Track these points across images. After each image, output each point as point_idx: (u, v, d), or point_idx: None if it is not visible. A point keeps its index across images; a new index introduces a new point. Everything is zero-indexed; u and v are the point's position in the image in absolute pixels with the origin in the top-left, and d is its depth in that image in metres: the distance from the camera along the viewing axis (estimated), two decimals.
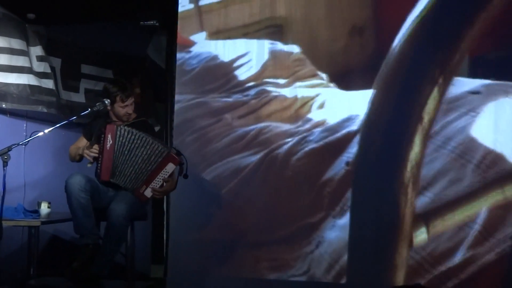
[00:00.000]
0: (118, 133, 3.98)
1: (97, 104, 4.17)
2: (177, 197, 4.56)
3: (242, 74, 4.55)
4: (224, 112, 4.56)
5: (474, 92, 4.13)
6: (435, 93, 4.13)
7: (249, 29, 4.56)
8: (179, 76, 4.66)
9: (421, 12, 4.19)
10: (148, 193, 3.96)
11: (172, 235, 4.60)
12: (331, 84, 4.36)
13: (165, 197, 5.08)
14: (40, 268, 4.36)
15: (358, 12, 4.35)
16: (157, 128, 5.10)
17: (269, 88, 4.49)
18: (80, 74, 5.17)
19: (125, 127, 4.01)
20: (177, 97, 4.65)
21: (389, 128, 4.23)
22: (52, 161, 5.06)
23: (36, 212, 4.23)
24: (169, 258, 4.64)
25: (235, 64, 4.59)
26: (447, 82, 4.14)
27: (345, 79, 4.35)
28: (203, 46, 4.64)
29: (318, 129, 4.36)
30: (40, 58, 4.80)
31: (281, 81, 4.46)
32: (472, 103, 4.09)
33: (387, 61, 4.23)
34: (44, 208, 4.24)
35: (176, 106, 4.64)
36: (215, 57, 4.61)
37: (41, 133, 4.07)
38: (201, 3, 4.66)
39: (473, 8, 4.13)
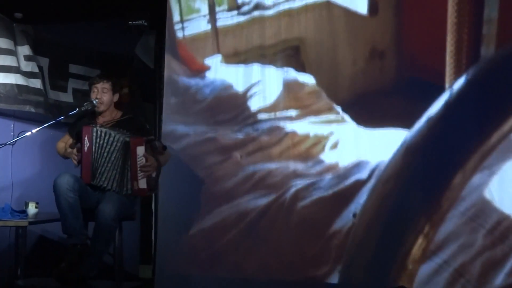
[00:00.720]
0: (95, 134, 3.98)
1: (85, 104, 4.16)
2: (165, 198, 4.55)
3: (255, 104, 4.37)
4: (234, 149, 4.38)
5: None
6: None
7: (266, 51, 4.36)
8: (190, 105, 4.51)
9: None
10: (142, 184, 3.96)
11: (161, 236, 4.59)
12: (346, 118, 4.10)
13: (153, 197, 5.09)
14: (27, 269, 4.33)
15: (379, 34, 4.10)
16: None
17: (281, 124, 4.27)
18: (68, 73, 5.15)
19: (102, 128, 4.00)
20: (185, 129, 4.49)
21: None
22: (39, 161, 5.04)
23: (24, 212, 4.21)
24: (158, 258, 4.63)
25: (249, 94, 4.40)
26: None
27: (362, 109, 4.09)
28: (217, 71, 4.48)
29: (329, 176, 4.10)
30: (27, 58, 4.77)
31: (294, 112, 4.25)
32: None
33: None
34: (32, 208, 4.22)
35: (184, 142, 4.49)
36: (228, 87, 4.45)
37: (28, 133, 4.06)
38: (219, 24, 4.50)
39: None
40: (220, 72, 4.49)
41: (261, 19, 4.38)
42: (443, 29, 3.84)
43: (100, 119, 4.19)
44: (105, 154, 4.00)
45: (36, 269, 4.44)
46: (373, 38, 4.09)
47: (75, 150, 4.03)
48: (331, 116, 4.15)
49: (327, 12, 4.22)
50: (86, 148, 3.99)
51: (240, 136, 4.40)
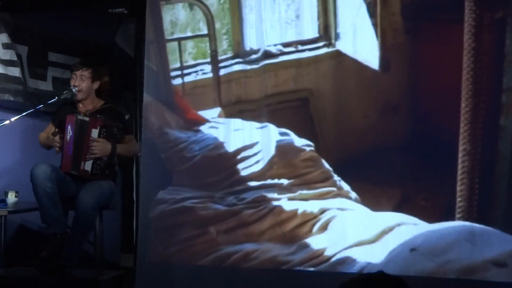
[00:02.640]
0: (77, 123, 3.97)
1: (64, 92, 4.15)
2: (146, 186, 4.54)
3: (246, 169, 4.05)
4: (211, 223, 4.06)
5: (500, 264, 3.44)
6: None
7: (271, 100, 4.08)
8: (176, 164, 4.22)
9: None
10: (88, 166, 3.99)
11: (141, 224, 4.58)
12: (344, 188, 3.82)
13: (134, 186, 5.07)
14: (7, 258, 4.31)
15: (393, 89, 3.86)
16: (126, 117, 5.07)
17: (269, 195, 3.96)
18: (47, 62, 5.11)
19: (85, 118, 3.99)
20: (163, 194, 4.20)
21: None
22: (19, 150, 5.00)
23: (3, 201, 4.20)
24: (139, 247, 4.62)
25: (240, 156, 4.09)
26: None
27: (368, 168, 3.83)
28: (212, 126, 4.19)
29: (311, 268, 3.79)
30: (6, 46, 4.72)
31: (285, 181, 3.94)
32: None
33: None
34: (11, 197, 4.20)
35: (158, 209, 4.20)
36: (219, 146, 4.15)
37: (7, 122, 4.03)
38: (222, 72, 4.19)
39: None
40: (215, 127, 4.19)
41: (268, 68, 4.11)
42: (458, 92, 3.62)
43: (82, 108, 4.17)
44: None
45: (16, 259, 4.41)
46: (386, 92, 3.87)
47: (57, 137, 4.01)
48: (326, 189, 3.89)
49: (337, 62, 3.99)
50: (68, 136, 3.98)
51: (221, 207, 4.09)
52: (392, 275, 1.57)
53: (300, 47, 4.08)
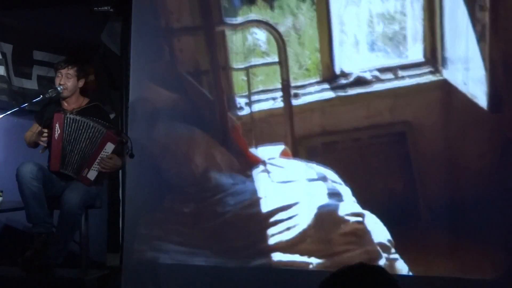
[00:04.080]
0: (66, 121, 3.95)
1: (49, 90, 4.12)
2: (132, 185, 4.52)
3: (275, 236, 3.64)
4: None
5: None
6: None
7: (361, 134, 3.64)
8: (205, 220, 3.88)
9: None
10: (91, 175, 3.93)
11: (128, 224, 4.56)
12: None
13: (120, 185, 5.05)
14: None
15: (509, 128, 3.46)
16: (112, 115, 5.05)
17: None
18: (32, 60, 5.06)
19: (72, 116, 3.96)
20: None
21: None
22: (3, 149, 4.97)
23: None
24: (125, 246, 4.60)
25: (273, 219, 3.70)
26: None
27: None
28: (264, 170, 3.78)
29: None
30: None
31: (314, 261, 3.53)
32: None
33: None
34: None
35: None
36: (255, 203, 3.76)
37: None
38: (296, 102, 3.73)
39: None
40: (268, 171, 3.78)
41: (360, 97, 3.67)
42: None
43: (67, 106, 4.15)
44: (72, 141, 3.97)
45: (1, 258, 4.39)
46: (504, 132, 3.46)
47: (44, 134, 3.98)
48: None
49: (445, 93, 3.54)
50: (56, 135, 3.95)
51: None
52: (371, 265, 1.59)
53: (400, 73, 3.61)
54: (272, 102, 3.86)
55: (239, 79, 3.95)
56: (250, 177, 3.88)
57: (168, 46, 4.20)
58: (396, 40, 3.61)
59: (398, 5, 3.63)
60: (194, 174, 4.01)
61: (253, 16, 3.93)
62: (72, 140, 3.96)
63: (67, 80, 4.09)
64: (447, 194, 3.52)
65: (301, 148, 3.86)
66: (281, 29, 3.86)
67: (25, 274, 3.90)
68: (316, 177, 3.70)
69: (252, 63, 3.92)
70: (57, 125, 3.94)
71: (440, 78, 3.54)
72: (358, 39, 3.69)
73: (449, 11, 3.52)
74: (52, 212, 3.99)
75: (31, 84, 5.04)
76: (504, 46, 3.46)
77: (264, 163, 3.87)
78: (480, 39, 3.45)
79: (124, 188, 4.71)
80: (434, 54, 3.54)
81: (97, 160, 3.92)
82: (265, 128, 3.90)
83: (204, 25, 4.05)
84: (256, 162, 3.88)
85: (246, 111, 3.95)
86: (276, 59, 3.84)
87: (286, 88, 3.81)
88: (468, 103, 3.48)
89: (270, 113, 3.87)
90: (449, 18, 3.51)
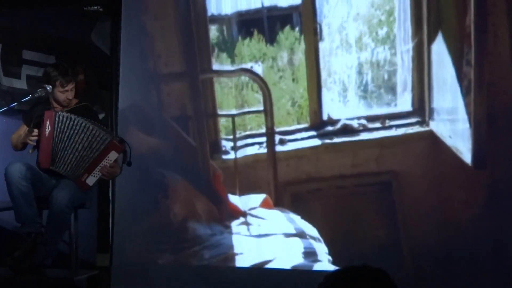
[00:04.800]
0: (57, 119, 3.93)
1: (38, 90, 4.10)
2: (122, 185, 4.51)
3: None
4: None
5: None
6: None
7: (346, 182, 3.64)
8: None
9: None
10: (90, 181, 3.91)
11: (118, 224, 4.55)
12: None
13: (110, 185, 5.04)
14: None
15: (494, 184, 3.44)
16: (101, 116, 5.04)
17: None
18: (21, 60, 5.05)
19: (64, 113, 3.95)
20: None
21: None
22: None
23: None
24: (114, 247, 4.59)
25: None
26: None
27: None
28: (242, 223, 3.78)
29: None
30: None
31: None
32: None
33: None
34: None
35: None
36: (230, 258, 3.77)
37: None
38: (282, 149, 3.73)
39: None
40: (249, 223, 3.77)
41: (346, 146, 3.68)
42: None
43: (56, 107, 4.13)
44: (65, 139, 3.95)
45: None
46: (488, 186, 3.45)
47: (34, 133, 3.97)
48: None
49: (431, 144, 3.56)
50: (47, 132, 3.93)
51: None
52: (376, 268, 1.57)
53: (388, 122, 3.62)
54: (258, 147, 3.89)
55: (225, 124, 3.99)
56: (229, 228, 3.91)
57: (155, 89, 4.25)
58: (385, 89, 3.63)
59: (388, 54, 3.66)
60: (172, 223, 4.04)
61: (248, 50, 3.98)
62: (65, 138, 3.94)
63: (71, 94, 4.09)
64: (431, 244, 3.55)
65: (286, 194, 3.88)
66: (278, 63, 3.89)
67: (14, 274, 3.89)
68: (294, 232, 3.72)
69: (239, 111, 3.97)
70: (47, 122, 3.93)
71: (427, 129, 3.57)
72: (347, 86, 3.71)
73: (437, 63, 3.56)
74: (41, 212, 3.97)
75: (20, 84, 5.02)
76: (488, 103, 3.49)
77: (244, 214, 3.89)
78: (465, 93, 3.48)
79: (114, 189, 4.70)
80: (422, 105, 3.57)
81: (99, 168, 3.90)
82: (249, 173, 3.91)
83: (190, 71, 4.08)
84: (236, 212, 3.90)
85: (231, 155, 3.98)
86: (262, 107, 3.88)
87: (270, 136, 3.85)
88: (453, 156, 3.50)
89: (256, 158, 3.89)
90: (437, 70, 3.55)
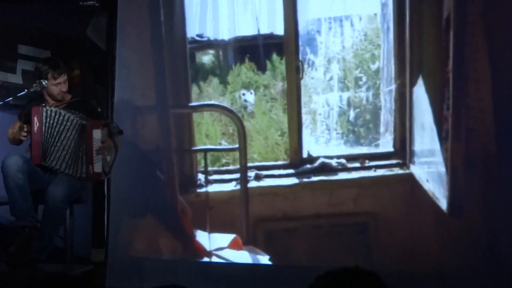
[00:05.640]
0: (44, 114, 3.93)
1: (34, 85, 4.09)
2: (117, 180, 4.51)
3: None
4: None
5: None
6: None
7: (322, 222, 3.63)
8: None
9: None
10: (97, 168, 3.90)
11: (113, 219, 4.55)
12: None
13: (105, 180, 5.04)
14: None
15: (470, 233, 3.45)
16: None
17: None
18: (17, 54, 5.04)
19: (52, 108, 3.95)
20: None
21: None
22: None
23: None
24: (110, 242, 4.59)
25: None
26: None
27: None
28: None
29: None
30: None
31: None
32: None
33: None
34: None
35: None
36: None
37: None
38: (258, 184, 3.73)
39: None
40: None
41: (323, 185, 3.67)
42: None
43: (51, 102, 4.12)
44: (55, 134, 3.95)
45: None
46: (463, 236, 3.43)
47: (24, 129, 3.96)
48: None
49: (411, 187, 3.56)
50: (35, 128, 3.93)
51: None
52: (367, 270, 1.56)
53: (367, 163, 3.60)
54: (235, 183, 3.90)
55: (200, 159, 4.00)
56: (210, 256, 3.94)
57: (130, 121, 4.28)
58: (367, 129, 3.62)
59: (370, 95, 3.65)
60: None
61: (240, 78, 3.98)
62: (55, 133, 3.93)
63: (64, 86, 4.08)
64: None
65: (259, 231, 3.86)
66: (271, 91, 3.90)
67: (9, 269, 3.88)
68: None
69: (214, 146, 3.99)
70: (35, 118, 3.93)
71: (407, 171, 3.55)
72: (328, 124, 3.71)
73: (418, 106, 3.54)
74: (36, 207, 3.97)
75: (16, 79, 5.02)
76: (466, 149, 3.46)
77: (209, 254, 3.88)
78: (444, 139, 3.46)
79: (109, 183, 4.70)
80: (403, 147, 3.56)
81: (95, 152, 3.89)
82: (224, 209, 3.89)
83: (164, 106, 4.10)
84: (201, 252, 3.90)
85: (204, 189, 3.99)
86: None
87: (243, 173, 3.84)
88: (430, 201, 3.48)
89: (232, 195, 3.89)
90: (418, 112, 3.54)
